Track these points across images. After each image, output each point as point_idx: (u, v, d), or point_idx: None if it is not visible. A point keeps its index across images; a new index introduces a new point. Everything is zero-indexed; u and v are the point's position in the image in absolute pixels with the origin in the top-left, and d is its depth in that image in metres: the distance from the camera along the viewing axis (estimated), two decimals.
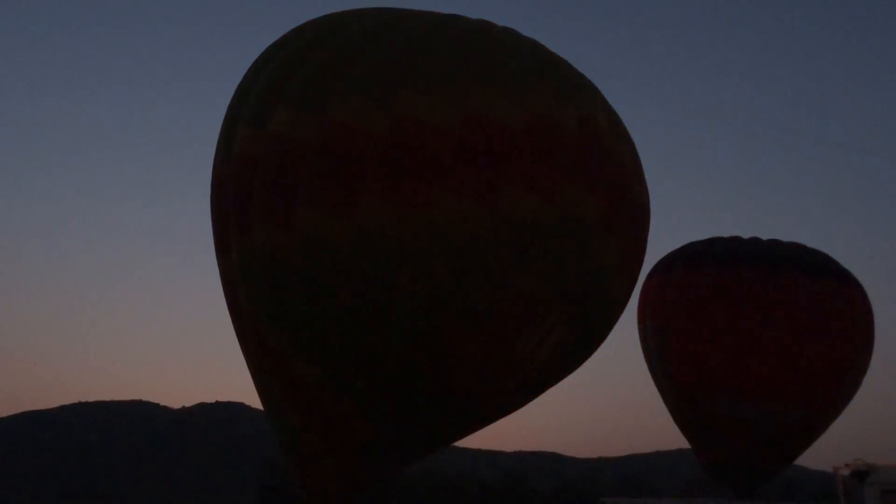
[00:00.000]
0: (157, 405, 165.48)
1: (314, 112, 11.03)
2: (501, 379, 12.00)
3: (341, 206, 10.76)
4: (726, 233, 25.41)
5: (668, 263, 24.66)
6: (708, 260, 23.69)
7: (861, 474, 16.11)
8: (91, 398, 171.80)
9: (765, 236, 25.08)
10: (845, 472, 16.17)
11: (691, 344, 22.85)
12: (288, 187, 11.06)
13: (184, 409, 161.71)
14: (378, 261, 10.80)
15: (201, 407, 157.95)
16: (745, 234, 25.20)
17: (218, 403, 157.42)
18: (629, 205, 12.27)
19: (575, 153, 11.37)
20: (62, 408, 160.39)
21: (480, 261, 10.85)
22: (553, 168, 11.11)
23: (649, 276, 25.17)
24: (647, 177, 13.32)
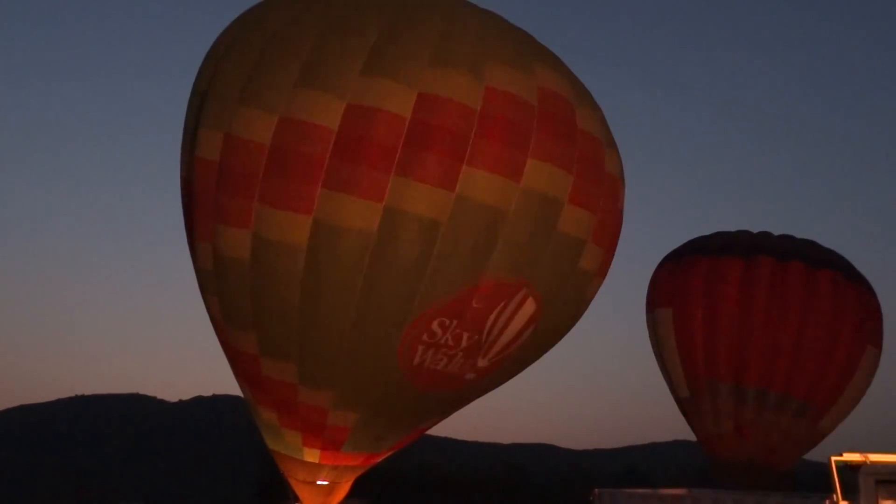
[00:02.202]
0: (153, 398, 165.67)
1: (267, 110, 10.70)
2: (476, 358, 11.93)
3: (300, 205, 10.54)
4: (735, 229, 25.44)
5: (679, 253, 24.74)
6: (718, 250, 23.72)
7: (855, 465, 16.09)
8: (88, 391, 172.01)
9: (775, 233, 25.10)
10: (840, 462, 16.14)
11: (699, 330, 22.86)
12: (247, 189, 10.83)
13: (181, 402, 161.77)
14: (342, 255, 10.62)
15: (198, 400, 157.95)
16: (754, 231, 25.20)
17: (215, 397, 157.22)
18: (602, 177, 12.04)
19: (538, 128, 11.06)
20: (59, 401, 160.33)
21: (444, 247, 10.68)
22: (515, 145, 10.81)
23: (660, 265, 25.22)
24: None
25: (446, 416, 13.58)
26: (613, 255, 13.21)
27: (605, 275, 13.27)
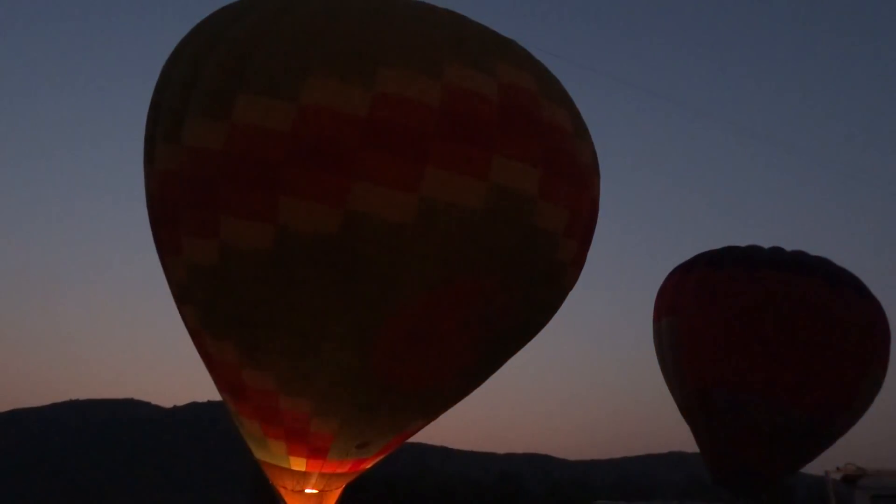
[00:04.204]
0: (148, 404, 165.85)
1: (220, 118, 10.51)
2: (453, 356, 11.83)
3: (261, 213, 10.36)
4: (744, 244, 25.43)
5: (689, 265, 24.74)
6: (729, 262, 23.73)
7: (852, 479, 16.03)
8: (83, 396, 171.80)
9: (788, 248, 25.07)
10: (836, 476, 16.07)
11: (706, 341, 22.83)
12: (208, 199, 10.65)
13: (175, 407, 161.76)
14: (307, 262, 10.45)
15: (193, 406, 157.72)
16: (766, 246, 25.17)
17: (210, 403, 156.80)
18: (572, 168, 11.84)
19: (501, 123, 10.85)
20: (54, 405, 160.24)
21: (412, 249, 10.50)
22: (478, 143, 10.61)
23: (669, 275, 25.21)
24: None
25: (431, 419, 13.42)
26: (589, 245, 13.05)
27: (582, 266, 13.12)
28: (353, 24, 10.85)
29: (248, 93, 10.39)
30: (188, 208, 10.93)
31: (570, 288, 13.15)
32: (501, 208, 10.78)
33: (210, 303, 11.42)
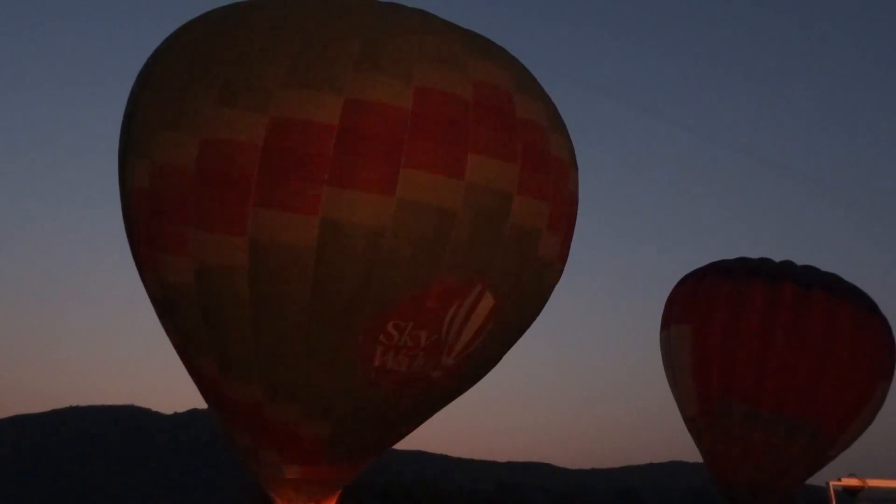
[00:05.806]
0: (149, 410, 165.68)
1: (189, 132, 10.46)
2: (440, 357, 11.73)
3: (233, 227, 10.30)
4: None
5: (701, 273, 24.74)
6: (741, 272, 23.78)
7: (854, 490, 15.94)
8: (83, 402, 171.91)
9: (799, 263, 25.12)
10: (839, 488, 16.00)
11: (717, 350, 22.82)
12: (180, 215, 10.61)
13: (176, 414, 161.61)
14: (282, 275, 10.40)
15: (194, 413, 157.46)
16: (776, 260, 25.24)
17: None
18: (549, 163, 11.82)
19: (475, 122, 10.85)
20: (54, 412, 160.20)
21: (390, 253, 10.44)
22: (452, 143, 10.60)
23: (679, 283, 25.19)
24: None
25: (423, 420, 13.35)
26: (571, 240, 12.98)
27: (565, 262, 13.05)
28: (322, 28, 10.80)
29: (219, 105, 10.33)
30: (160, 225, 10.88)
31: (555, 284, 13.14)
32: (480, 207, 10.75)
33: (188, 320, 11.36)
